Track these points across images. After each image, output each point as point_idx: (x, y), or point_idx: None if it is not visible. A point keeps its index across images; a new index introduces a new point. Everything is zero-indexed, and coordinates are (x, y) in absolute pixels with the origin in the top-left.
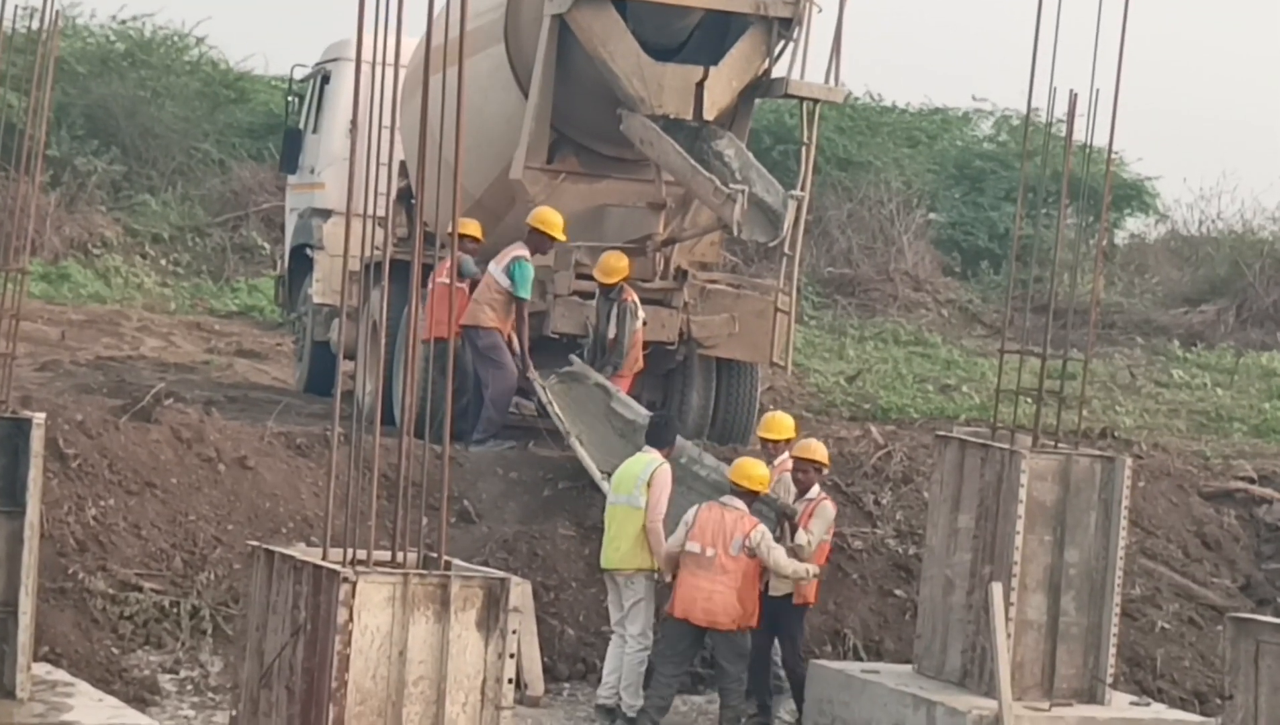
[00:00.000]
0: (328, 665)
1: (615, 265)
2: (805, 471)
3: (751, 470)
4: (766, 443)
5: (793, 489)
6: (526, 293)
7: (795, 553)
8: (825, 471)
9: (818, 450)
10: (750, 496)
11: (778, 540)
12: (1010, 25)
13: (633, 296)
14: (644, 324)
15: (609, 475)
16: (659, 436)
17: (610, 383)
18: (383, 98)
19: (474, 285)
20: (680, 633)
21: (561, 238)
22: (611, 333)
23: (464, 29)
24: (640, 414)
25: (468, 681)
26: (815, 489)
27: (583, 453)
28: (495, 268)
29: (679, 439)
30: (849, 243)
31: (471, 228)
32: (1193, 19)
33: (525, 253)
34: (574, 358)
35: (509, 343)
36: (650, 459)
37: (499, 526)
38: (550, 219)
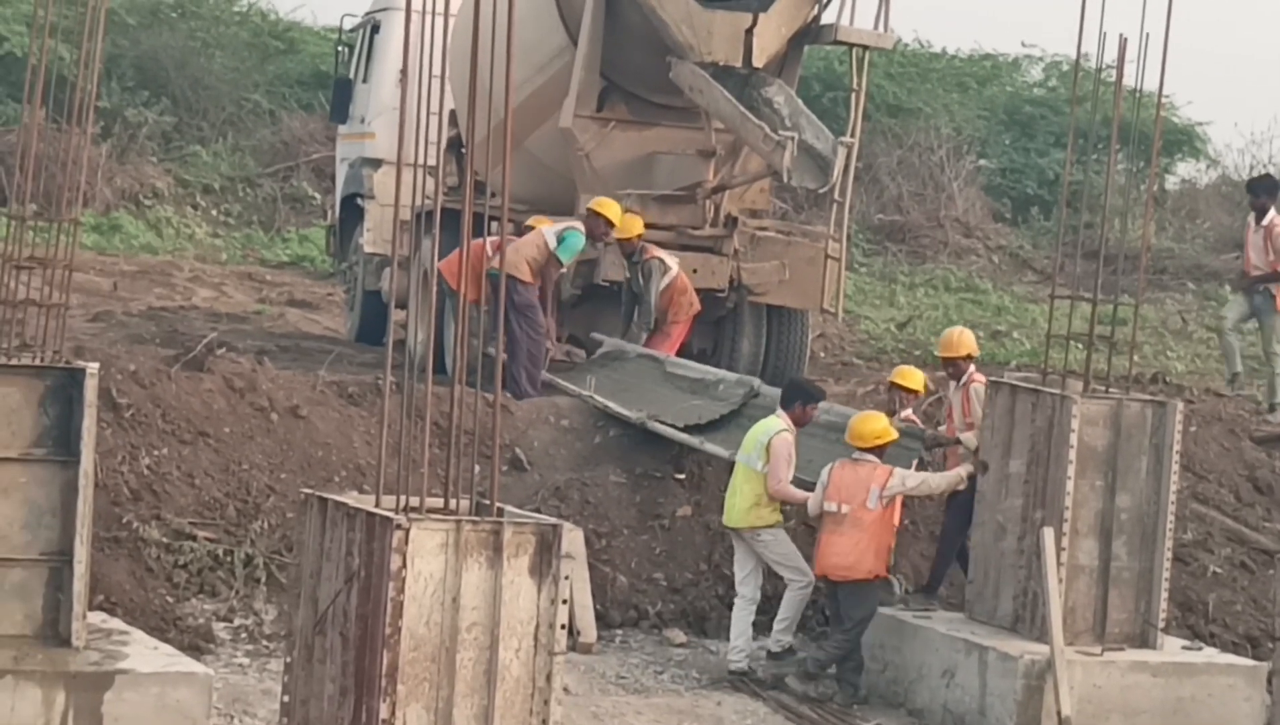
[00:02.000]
0: (381, 612)
1: (626, 223)
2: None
3: (863, 428)
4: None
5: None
6: (568, 258)
7: (969, 455)
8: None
9: (911, 377)
10: (876, 451)
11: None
12: None
13: (654, 253)
14: (671, 279)
15: (704, 427)
16: (786, 398)
17: (650, 348)
18: (432, 46)
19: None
20: (828, 592)
21: (618, 226)
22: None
23: None
24: (698, 369)
25: (520, 628)
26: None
27: (664, 429)
28: (545, 228)
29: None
30: (899, 189)
31: (613, 212)
32: None
33: (582, 228)
34: (598, 337)
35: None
36: (773, 424)
37: (550, 474)
38: (610, 206)
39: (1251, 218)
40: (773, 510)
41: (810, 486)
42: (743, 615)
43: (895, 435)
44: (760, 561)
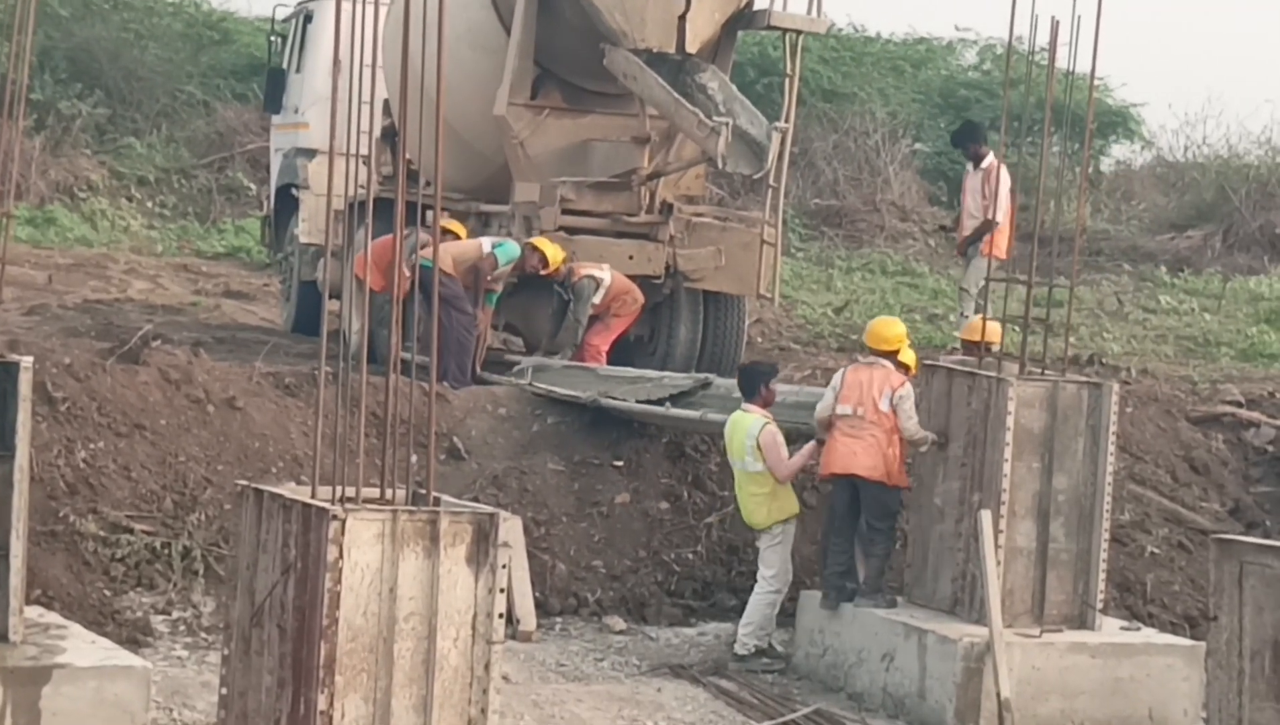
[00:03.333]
0: (318, 603)
1: (549, 251)
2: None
3: (885, 331)
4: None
5: None
6: (504, 260)
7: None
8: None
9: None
10: (890, 356)
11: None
12: None
13: (582, 272)
14: (608, 288)
15: (668, 401)
16: (747, 388)
17: (590, 338)
18: (364, 36)
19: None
20: (839, 492)
21: (556, 265)
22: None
23: None
24: (631, 372)
25: (458, 617)
26: None
27: (618, 403)
28: (484, 239)
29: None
30: (835, 174)
31: (454, 227)
32: None
33: (517, 245)
34: (515, 359)
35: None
36: (751, 420)
37: (488, 463)
38: (550, 245)
39: (970, 165)
40: (788, 500)
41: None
42: (765, 607)
43: (910, 349)
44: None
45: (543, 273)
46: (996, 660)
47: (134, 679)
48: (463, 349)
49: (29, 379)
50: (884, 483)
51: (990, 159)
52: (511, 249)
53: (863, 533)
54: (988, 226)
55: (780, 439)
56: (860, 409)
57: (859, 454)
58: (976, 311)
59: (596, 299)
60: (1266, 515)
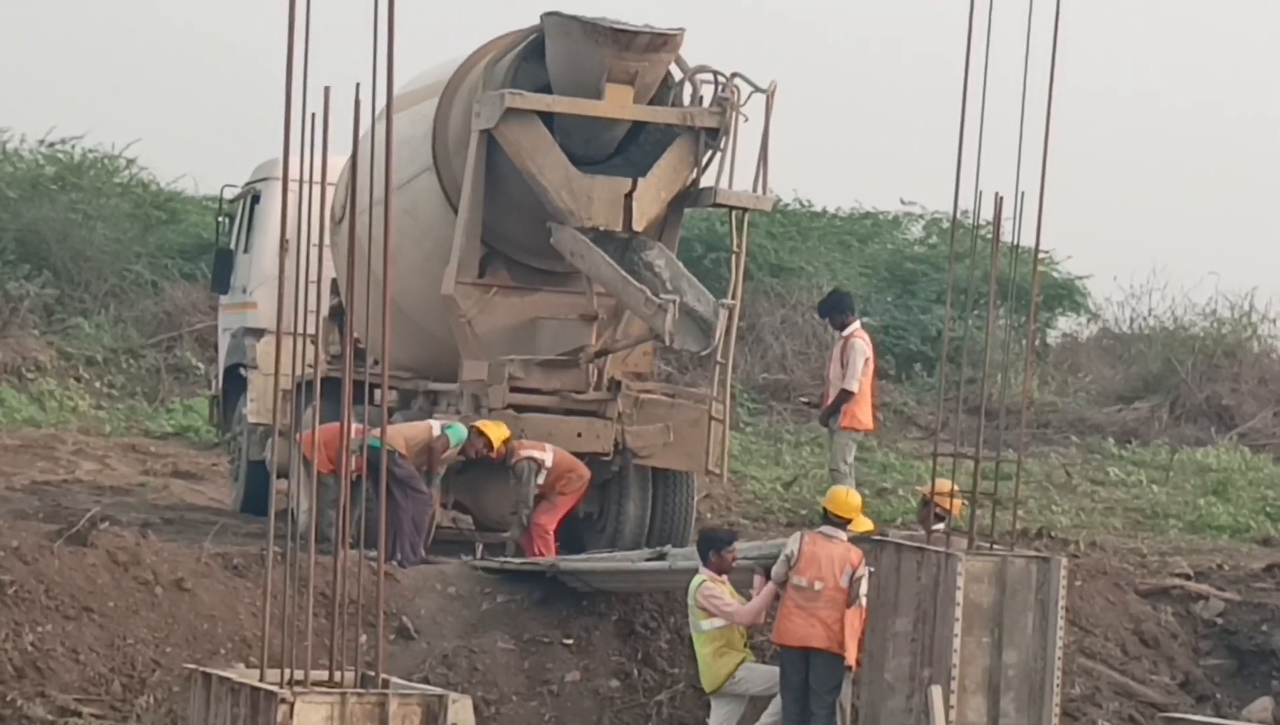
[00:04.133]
0: None
1: (493, 434)
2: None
3: (845, 498)
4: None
5: None
6: (450, 440)
7: None
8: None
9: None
10: (845, 523)
11: None
12: (937, 128)
13: (523, 454)
14: (549, 470)
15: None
16: (701, 553)
17: (537, 518)
18: (311, 216)
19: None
20: (793, 664)
21: (499, 446)
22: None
23: (389, 149)
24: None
25: None
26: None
27: (579, 566)
28: (432, 421)
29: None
30: (782, 348)
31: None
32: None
33: (465, 429)
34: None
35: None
36: (695, 582)
37: (438, 642)
38: (494, 430)
39: (838, 333)
40: (735, 649)
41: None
42: None
43: (866, 519)
44: (738, 709)
45: (488, 454)
46: None
47: None
48: (416, 529)
49: None
50: (834, 653)
51: (854, 326)
52: (460, 431)
53: (814, 700)
54: (845, 397)
55: (719, 592)
56: (819, 584)
57: (816, 627)
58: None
59: (540, 480)
60: (1216, 688)
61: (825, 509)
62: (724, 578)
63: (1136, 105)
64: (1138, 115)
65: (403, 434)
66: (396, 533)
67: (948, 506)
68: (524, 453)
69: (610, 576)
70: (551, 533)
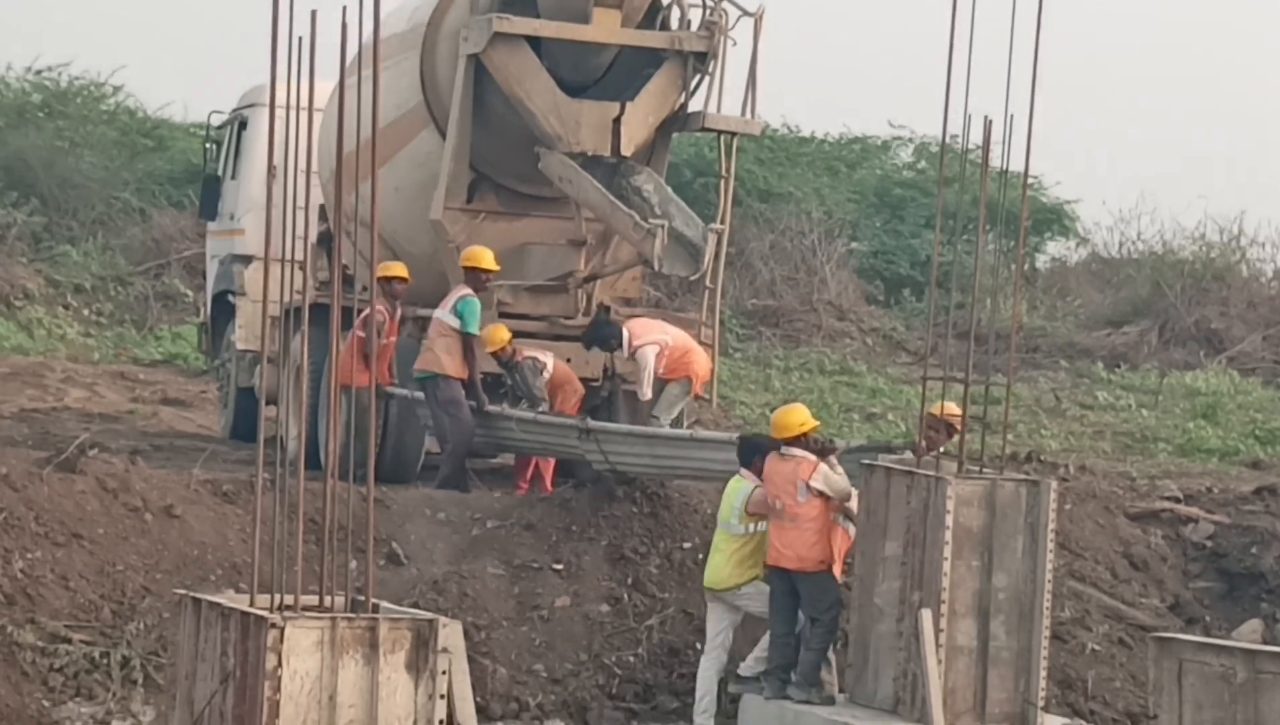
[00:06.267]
0: (257, 711)
1: (492, 336)
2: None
3: (785, 420)
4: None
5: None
6: (475, 328)
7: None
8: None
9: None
10: (800, 441)
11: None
12: (926, 51)
13: (525, 354)
14: (549, 375)
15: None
16: (744, 457)
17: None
18: (299, 142)
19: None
20: (776, 582)
21: (495, 268)
22: (539, 401)
23: (377, 71)
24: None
25: (398, 724)
26: None
27: (610, 425)
28: (441, 312)
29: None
30: (772, 274)
31: (398, 269)
32: (1107, 41)
33: (469, 292)
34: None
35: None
36: (743, 486)
37: (428, 568)
38: (479, 253)
39: None
40: (753, 565)
41: None
42: (709, 674)
43: (815, 423)
44: (735, 621)
45: (494, 284)
46: None
47: None
48: (455, 457)
49: None
50: (815, 572)
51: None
52: (471, 306)
53: (804, 625)
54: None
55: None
56: (779, 503)
57: (783, 549)
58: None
59: (540, 382)
60: (1206, 610)
61: (773, 436)
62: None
63: (1126, 27)
64: (1128, 38)
65: (441, 352)
66: (442, 464)
67: (960, 427)
68: (525, 354)
69: (631, 448)
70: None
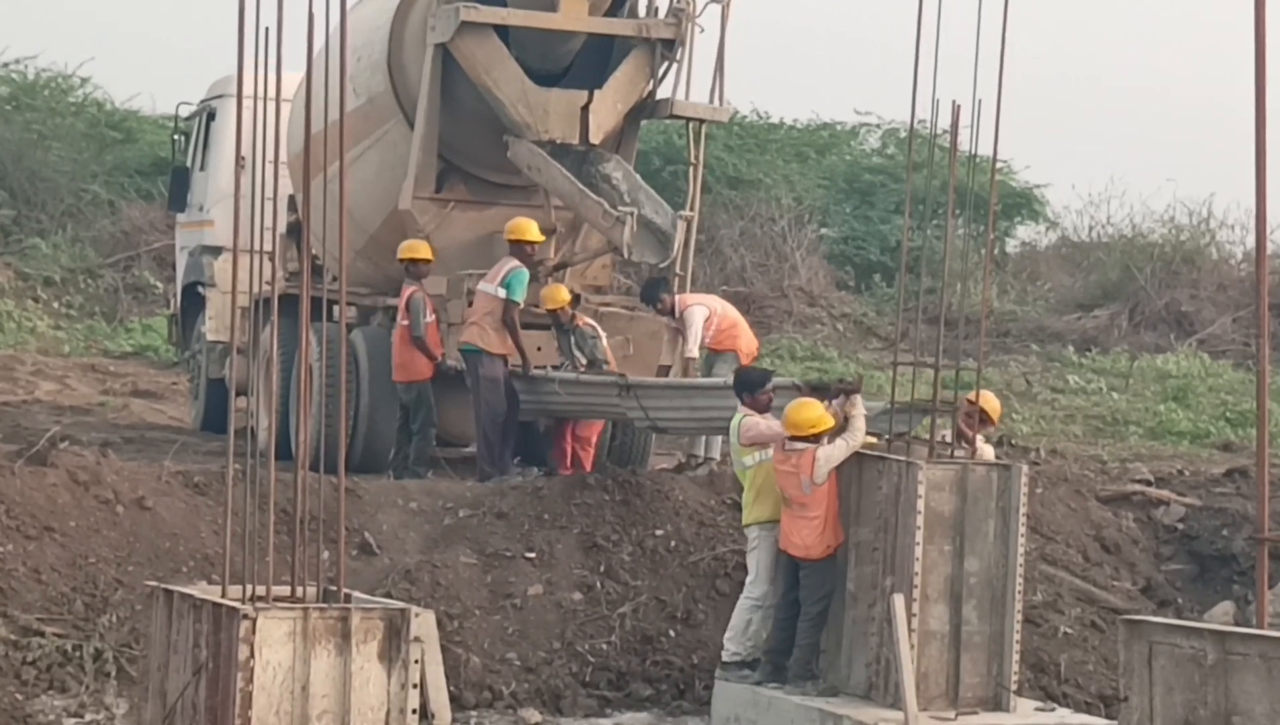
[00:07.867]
0: (230, 703)
1: (550, 295)
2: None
3: (797, 417)
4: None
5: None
6: (520, 297)
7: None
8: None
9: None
10: (814, 440)
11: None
12: (893, 36)
13: (583, 320)
14: (604, 339)
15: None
16: (739, 392)
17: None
18: (267, 133)
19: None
20: (786, 565)
21: (539, 239)
22: (583, 360)
23: (344, 62)
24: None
25: (371, 714)
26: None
27: (648, 379)
28: (487, 285)
29: None
30: (742, 261)
31: (422, 250)
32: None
33: (519, 264)
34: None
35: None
36: (735, 420)
37: (400, 557)
38: (524, 226)
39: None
40: (761, 510)
41: None
42: (745, 613)
43: (831, 423)
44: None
45: (556, 311)
46: None
47: None
48: (490, 436)
49: None
50: (818, 559)
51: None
52: (520, 277)
53: (800, 613)
54: None
55: (757, 422)
56: (788, 493)
57: (791, 536)
58: None
59: (603, 343)
60: (1178, 593)
61: (786, 429)
62: (767, 416)
63: (1094, 9)
64: (1096, 21)
65: (488, 327)
66: (477, 443)
67: (995, 422)
68: (584, 319)
69: (670, 402)
70: (593, 443)
